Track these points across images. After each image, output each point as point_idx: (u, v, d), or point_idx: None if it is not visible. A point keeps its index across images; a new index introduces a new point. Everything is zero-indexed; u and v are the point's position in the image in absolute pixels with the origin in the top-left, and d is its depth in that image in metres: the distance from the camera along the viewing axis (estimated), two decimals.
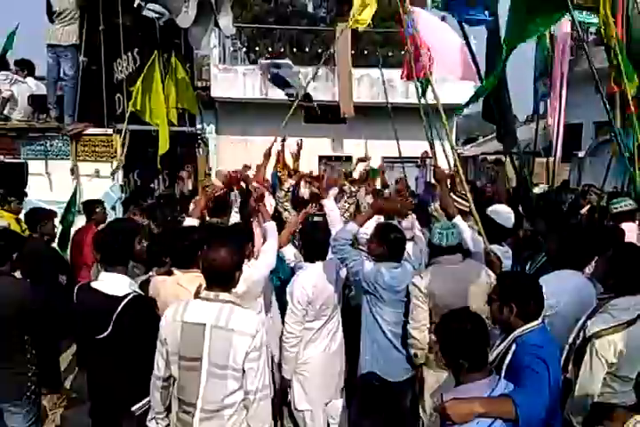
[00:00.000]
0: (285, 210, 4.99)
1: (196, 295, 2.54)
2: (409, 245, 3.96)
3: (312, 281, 3.37)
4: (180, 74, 7.04)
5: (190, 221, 3.64)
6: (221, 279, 2.43)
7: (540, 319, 2.38)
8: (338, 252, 3.27)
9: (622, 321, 2.50)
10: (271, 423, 2.48)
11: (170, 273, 3.19)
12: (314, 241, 3.57)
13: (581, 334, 2.63)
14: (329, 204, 4.10)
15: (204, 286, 2.51)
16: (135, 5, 6.48)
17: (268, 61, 9.06)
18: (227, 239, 2.77)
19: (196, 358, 2.35)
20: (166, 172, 7.61)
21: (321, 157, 11.86)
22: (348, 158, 11.75)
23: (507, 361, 2.28)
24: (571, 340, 2.73)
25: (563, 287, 2.88)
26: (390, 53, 12.28)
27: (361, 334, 3.35)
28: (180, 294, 2.77)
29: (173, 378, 2.46)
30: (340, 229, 3.46)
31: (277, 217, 4.75)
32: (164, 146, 6.33)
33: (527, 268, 3.86)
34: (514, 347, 2.30)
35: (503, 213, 3.85)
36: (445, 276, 3.10)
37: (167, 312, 2.46)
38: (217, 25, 7.07)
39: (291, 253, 3.98)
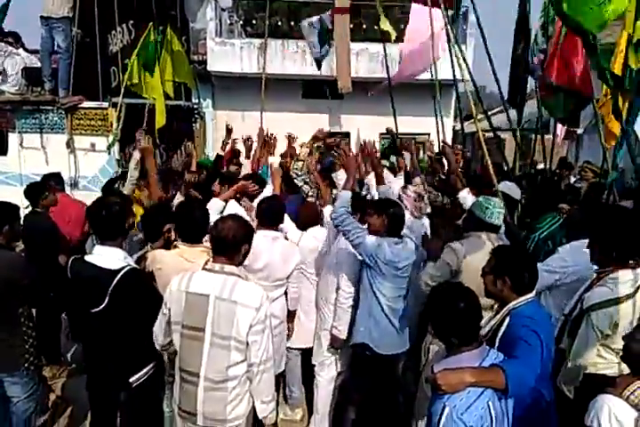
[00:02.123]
0: (306, 183, 4.91)
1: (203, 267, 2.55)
2: (411, 219, 3.99)
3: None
4: (175, 46, 6.90)
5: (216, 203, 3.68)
6: (227, 250, 2.43)
7: (533, 292, 2.41)
8: (339, 225, 3.24)
9: (620, 295, 2.53)
10: (274, 395, 2.52)
11: (167, 247, 3.20)
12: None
13: (578, 305, 2.67)
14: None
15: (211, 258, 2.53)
16: None
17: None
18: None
19: (199, 328, 2.38)
20: (163, 146, 7.55)
21: (315, 137, 11.75)
22: (346, 134, 11.64)
23: (500, 333, 2.32)
24: (567, 311, 2.77)
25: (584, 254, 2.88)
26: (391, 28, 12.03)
27: (359, 305, 3.38)
28: (185, 267, 2.77)
29: (174, 349, 2.50)
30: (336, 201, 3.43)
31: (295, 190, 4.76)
32: (160, 120, 6.24)
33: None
34: (507, 319, 2.33)
35: (512, 187, 4.26)
36: (483, 250, 3.08)
37: (172, 282, 2.48)
38: None
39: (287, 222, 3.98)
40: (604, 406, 1.80)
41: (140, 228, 3.54)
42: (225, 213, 3.46)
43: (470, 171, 7.56)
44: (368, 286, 3.28)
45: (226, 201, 3.79)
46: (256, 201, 3.88)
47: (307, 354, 3.95)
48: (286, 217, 3.92)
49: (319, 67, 8.60)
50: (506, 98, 6.14)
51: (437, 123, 6.39)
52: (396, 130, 7.35)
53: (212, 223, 2.93)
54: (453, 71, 5.42)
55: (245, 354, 2.37)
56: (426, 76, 7.14)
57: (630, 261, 2.65)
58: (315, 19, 8.10)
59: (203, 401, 2.40)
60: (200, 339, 2.38)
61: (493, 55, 5.31)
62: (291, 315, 3.78)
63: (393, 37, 6.51)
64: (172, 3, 7.36)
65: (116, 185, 5.19)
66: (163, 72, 6.45)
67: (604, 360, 2.56)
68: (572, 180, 7.34)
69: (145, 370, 2.74)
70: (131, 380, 2.70)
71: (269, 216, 3.59)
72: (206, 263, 2.52)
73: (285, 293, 3.66)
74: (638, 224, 2.66)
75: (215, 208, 3.58)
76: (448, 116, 11.47)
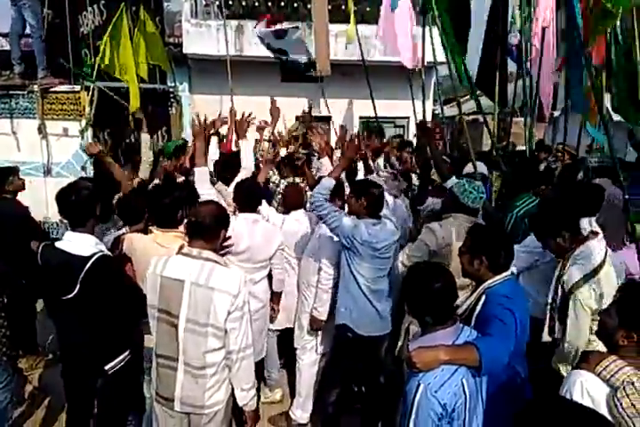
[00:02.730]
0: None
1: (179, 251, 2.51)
2: (393, 201, 4.00)
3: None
4: (149, 28, 6.72)
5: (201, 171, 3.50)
6: (205, 234, 2.38)
7: (509, 271, 2.42)
8: (316, 209, 3.23)
9: (594, 266, 2.59)
10: (254, 382, 2.50)
11: (145, 231, 3.15)
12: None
13: (559, 291, 2.71)
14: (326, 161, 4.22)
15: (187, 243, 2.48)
16: None
17: (269, 30, 8.24)
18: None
19: (173, 314, 2.34)
20: (135, 134, 7.38)
21: (298, 117, 11.63)
22: (327, 118, 11.56)
23: (476, 312, 2.33)
24: (550, 300, 2.80)
25: None
26: (368, 9, 11.88)
27: (339, 286, 3.38)
28: (158, 253, 2.71)
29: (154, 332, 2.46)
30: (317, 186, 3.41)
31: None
32: (134, 103, 6.10)
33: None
34: (483, 298, 2.35)
35: (481, 165, 4.48)
36: (461, 232, 3.06)
37: (150, 266, 2.44)
38: None
39: (266, 208, 3.94)
40: (576, 382, 1.81)
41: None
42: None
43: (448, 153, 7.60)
44: (347, 268, 3.27)
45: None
46: (232, 185, 3.83)
47: (284, 335, 3.96)
48: (265, 204, 3.89)
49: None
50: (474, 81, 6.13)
51: (414, 106, 6.33)
52: (375, 113, 7.30)
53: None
54: (434, 53, 5.41)
55: (224, 341, 2.34)
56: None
57: (580, 236, 2.77)
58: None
59: (181, 387, 2.37)
60: (175, 325, 2.34)
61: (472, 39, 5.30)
62: (276, 296, 3.78)
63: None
64: None
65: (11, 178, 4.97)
66: (136, 54, 6.29)
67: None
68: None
69: (120, 357, 2.71)
70: (106, 367, 2.67)
71: (248, 199, 3.55)
72: (182, 248, 2.47)
73: (270, 275, 3.65)
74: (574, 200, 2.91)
75: (201, 179, 3.37)
76: (428, 100, 11.43)
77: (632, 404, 1.68)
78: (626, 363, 1.77)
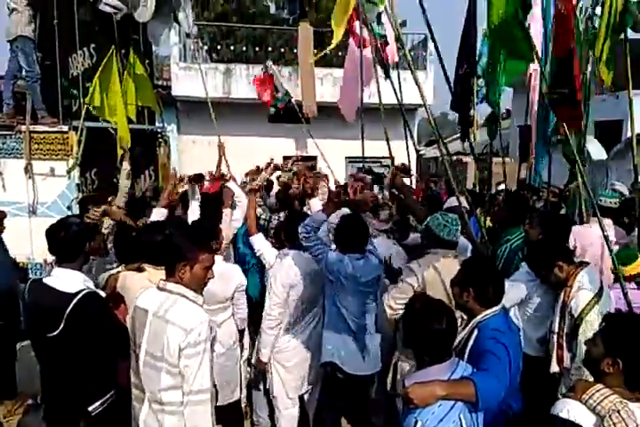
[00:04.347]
0: (259, 206, 4.92)
1: None
2: (380, 239, 4.00)
3: (295, 267, 3.42)
4: (138, 70, 6.87)
5: (158, 212, 3.66)
6: (165, 265, 2.37)
7: (500, 305, 2.42)
8: (304, 240, 3.23)
9: (596, 291, 2.68)
10: None
11: (140, 269, 3.10)
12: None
13: (566, 319, 2.72)
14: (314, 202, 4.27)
15: None
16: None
17: None
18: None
19: (137, 345, 2.30)
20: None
21: (285, 158, 11.80)
22: (313, 158, 11.73)
23: (469, 347, 2.32)
24: (556, 329, 2.80)
25: None
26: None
27: (325, 323, 3.33)
28: None
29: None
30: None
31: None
32: (125, 141, 6.12)
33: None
34: (475, 332, 2.34)
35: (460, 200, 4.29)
36: (442, 267, 3.11)
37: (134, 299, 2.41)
38: (176, 20, 6.96)
39: (262, 242, 3.93)
40: (562, 410, 1.81)
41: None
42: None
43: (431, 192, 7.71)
44: (333, 304, 3.25)
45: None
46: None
47: None
48: (262, 238, 3.90)
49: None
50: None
51: (389, 146, 6.40)
52: (363, 153, 7.40)
53: None
54: (422, 95, 5.54)
55: (178, 380, 2.21)
56: (391, 100, 7.26)
57: (575, 265, 2.86)
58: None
59: (144, 421, 2.29)
60: (138, 357, 2.29)
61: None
62: (241, 334, 3.73)
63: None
64: (134, 27, 7.33)
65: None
66: (125, 95, 6.39)
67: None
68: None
69: (104, 398, 2.61)
70: (89, 408, 2.57)
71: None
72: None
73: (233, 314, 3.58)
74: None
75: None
76: (412, 140, 11.68)
77: None
78: (611, 391, 1.77)
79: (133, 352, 2.35)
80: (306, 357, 3.53)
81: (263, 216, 4.79)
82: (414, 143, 7.56)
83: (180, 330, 2.19)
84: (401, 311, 3.03)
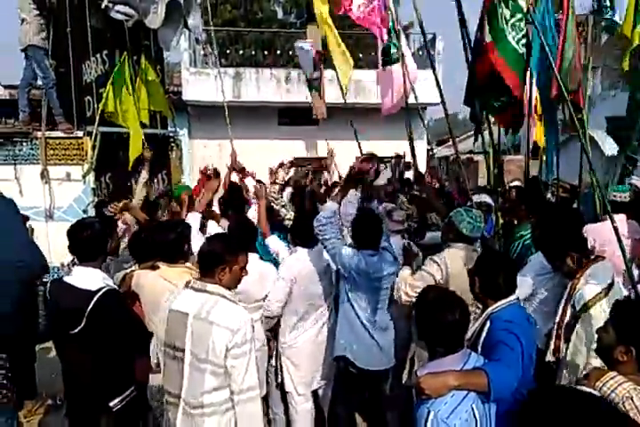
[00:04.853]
0: (283, 206, 4.87)
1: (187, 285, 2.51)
2: (393, 239, 4.05)
3: (300, 263, 3.46)
4: (150, 76, 6.96)
5: (193, 217, 3.68)
6: (211, 267, 2.37)
7: (514, 296, 2.45)
8: (319, 233, 3.26)
9: (604, 286, 2.64)
10: None
11: (155, 267, 3.17)
12: (306, 227, 3.53)
13: (569, 311, 2.72)
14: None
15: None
16: (102, 7, 6.42)
17: None
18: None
19: (179, 348, 2.30)
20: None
21: (295, 159, 11.87)
22: (322, 159, 11.79)
23: (482, 338, 2.34)
24: (557, 319, 2.82)
25: None
26: (360, 55, 12.37)
27: (338, 318, 3.37)
28: (164, 288, 2.72)
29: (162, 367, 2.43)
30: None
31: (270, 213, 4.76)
32: (136, 148, 6.24)
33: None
34: (488, 324, 2.36)
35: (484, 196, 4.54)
36: (466, 260, 3.13)
37: (162, 301, 2.43)
38: (186, 26, 7.04)
39: (276, 243, 3.97)
40: None
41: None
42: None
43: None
44: (345, 299, 3.28)
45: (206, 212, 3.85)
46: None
47: None
48: (277, 239, 3.96)
49: (310, 89, 8.81)
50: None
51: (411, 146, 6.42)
52: (360, 152, 7.38)
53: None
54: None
55: (223, 380, 2.25)
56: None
57: (589, 257, 2.83)
58: (306, 44, 8.35)
59: (180, 426, 2.31)
60: (181, 359, 2.29)
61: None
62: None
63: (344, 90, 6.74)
64: (145, 33, 7.45)
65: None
66: (138, 101, 6.50)
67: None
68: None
69: (125, 394, 2.68)
70: (111, 404, 2.63)
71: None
72: (188, 282, 2.48)
73: None
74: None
75: (193, 222, 3.57)
76: (422, 140, 11.71)
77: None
78: (625, 379, 1.79)
79: (168, 356, 2.35)
80: (315, 353, 3.55)
81: (288, 216, 4.73)
82: (429, 141, 7.56)
83: (226, 331, 2.21)
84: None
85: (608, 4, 4.81)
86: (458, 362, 2.06)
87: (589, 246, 3.06)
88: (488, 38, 3.88)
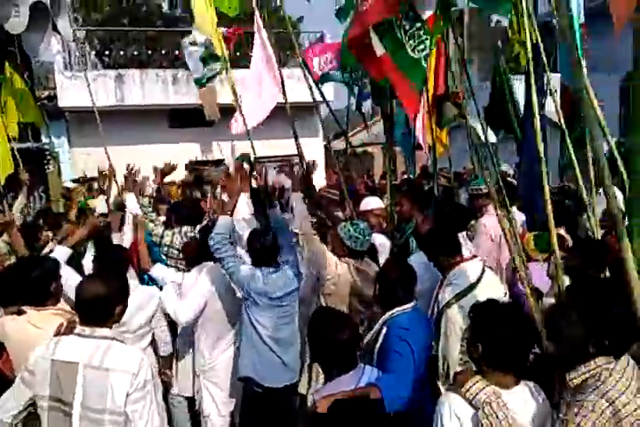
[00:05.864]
0: (151, 221, 4.47)
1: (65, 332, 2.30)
2: None
3: (209, 280, 3.40)
4: (17, 84, 6.40)
5: (61, 251, 3.31)
6: (97, 314, 2.18)
7: (411, 303, 2.55)
8: (215, 251, 3.16)
9: (466, 286, 2.78)
10: None
11: (20, 312, 2.85)
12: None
13: (436, 309, 2.86)
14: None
15: (77, 321, 2.25)
16: None
17: None
18: (105, 270, 2.62)
19: (66, 402, 2.11)
20: (11, 194, 6.81)
21: (190, 162, 11.49)
22: (220, 162, 11.53)
23: (379, 343, 2.44)
24: (429, 315, 2.96)
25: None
26: (251, 53, 12.20)
27: (241, 338, 3.28)
28: (32, 336, 2.45)
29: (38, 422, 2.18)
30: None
31: None
32: (5, 167, 5.64)
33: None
34: (384, 330, 2.46)
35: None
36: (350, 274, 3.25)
37: (37, 350, 2.19)
38: (55, 29, 6.52)
39: (161, 270, 3.79)
40: (444, 403, 1.87)
41: None
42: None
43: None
44: (246, 318, 3.19)
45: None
46: None
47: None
48: (162, 266, 3.85)
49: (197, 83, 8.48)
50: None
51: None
52: (254, 153, 7.26)
53: None
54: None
55: None
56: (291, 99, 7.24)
57: (457, 258, 2.97)
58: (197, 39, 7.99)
59: None
60: (68, 413, 2.11)
61: None
62: (164, 360, 3.59)
63: None
64: (8, 39, 6.82)
65: None
66: (5, 114, 5.93)
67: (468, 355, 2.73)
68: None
69: None
70: None
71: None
72: (60, 328, 2.30)
73: (154, 339, 3.48)
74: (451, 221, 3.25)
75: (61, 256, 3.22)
76: (318, 136, 11.82)
77: (491, 424, 1.72)
78: (487, 383, 1.81)
79: (52, 409, 2.14)
80: (232, 373, 3.49)
81: (155, 232, 4.32)
82: (326, 137, 7.62)
83: (125, 375, 2.09)
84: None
85: None
86: (353, 380, 2.11)
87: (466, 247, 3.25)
88: (380, 51, 3.89)
